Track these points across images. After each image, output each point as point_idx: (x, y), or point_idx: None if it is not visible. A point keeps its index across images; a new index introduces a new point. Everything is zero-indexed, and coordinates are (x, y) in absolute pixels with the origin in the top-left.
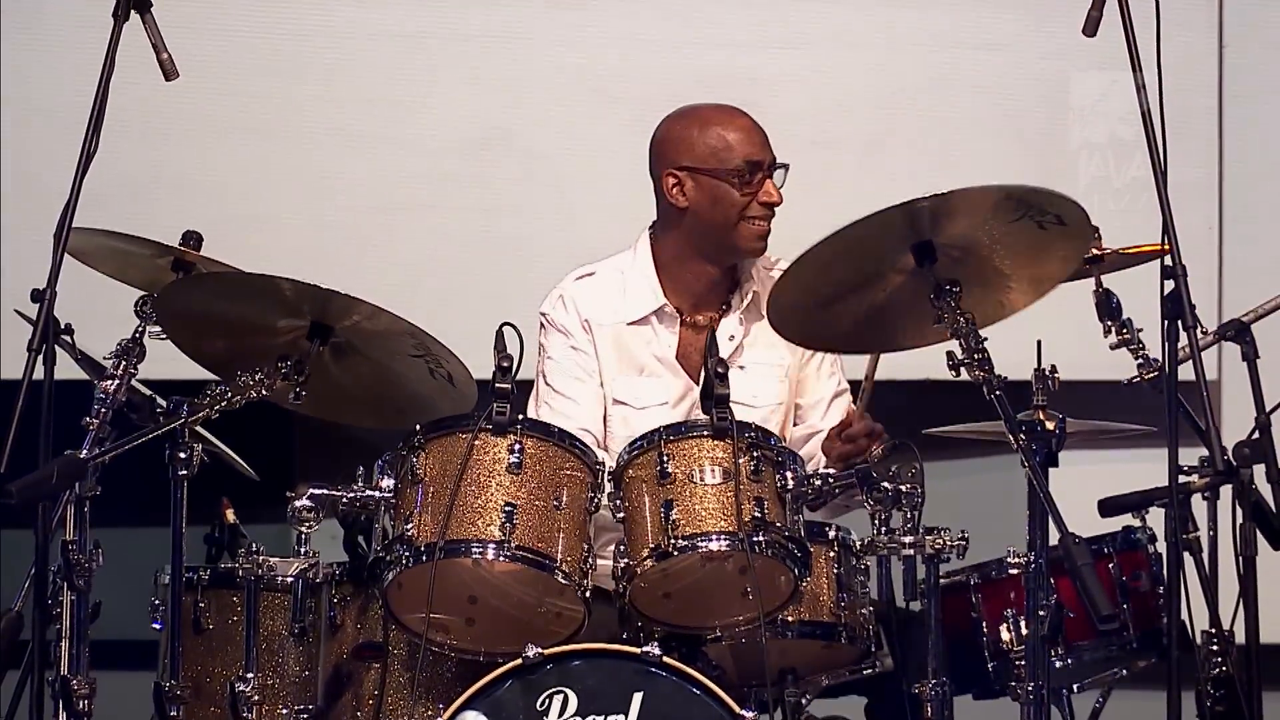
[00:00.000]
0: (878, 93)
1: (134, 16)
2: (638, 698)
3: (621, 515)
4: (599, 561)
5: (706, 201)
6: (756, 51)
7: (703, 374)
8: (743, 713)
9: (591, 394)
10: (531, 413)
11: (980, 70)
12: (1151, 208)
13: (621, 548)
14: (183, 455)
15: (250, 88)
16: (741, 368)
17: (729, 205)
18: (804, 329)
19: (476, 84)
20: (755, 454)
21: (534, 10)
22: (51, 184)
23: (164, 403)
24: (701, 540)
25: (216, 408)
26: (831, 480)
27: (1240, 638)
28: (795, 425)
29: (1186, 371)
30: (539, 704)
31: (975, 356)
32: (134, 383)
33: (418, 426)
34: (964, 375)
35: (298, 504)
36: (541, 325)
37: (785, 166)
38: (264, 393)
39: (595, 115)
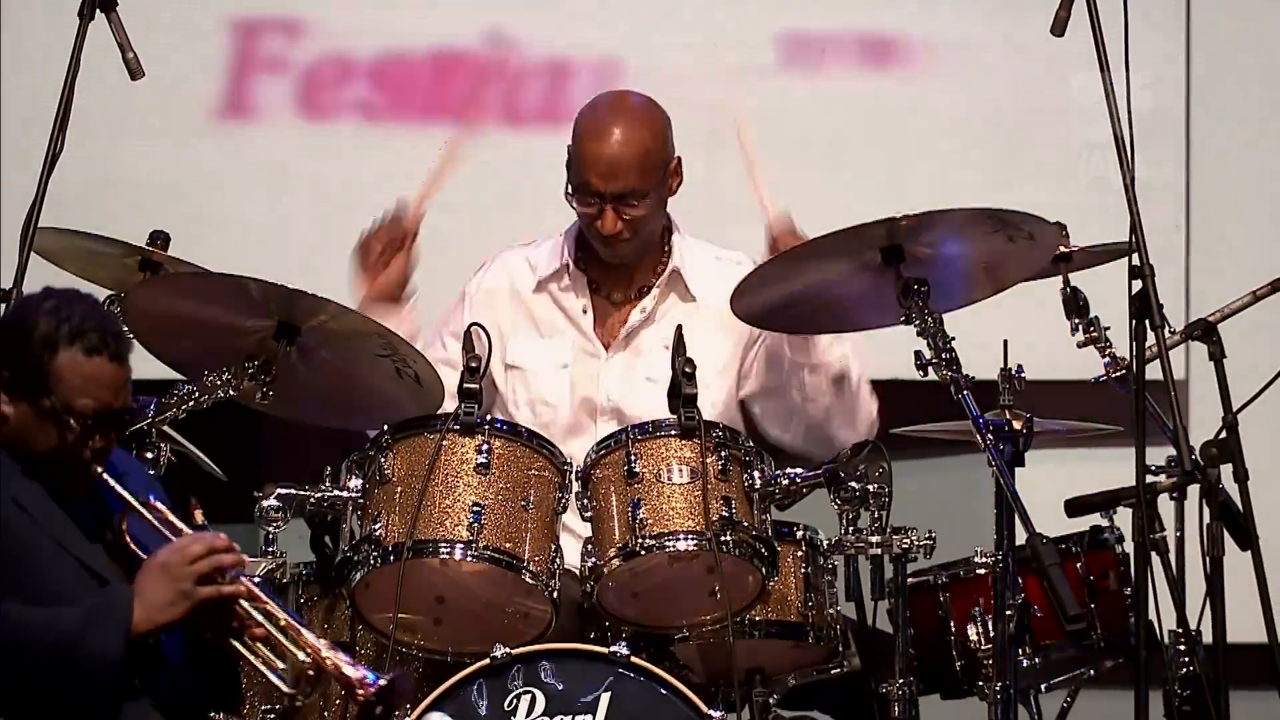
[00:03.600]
0: (867, 89)
1: (99, 16)
2: (605, 698)
3: (589, 515)
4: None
5: (573, 207)
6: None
7: (671, 372)
8: (710, 712)
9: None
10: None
11: (968, 68)
12: (1118, 208)
13: (589, 547)
14: (150, 455)
15: (215, 86)
16: (666, 347)
17: (579, 216)
18: (762, 314)
19: (442, 86)
20: (723, 453)
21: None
22: (17, 184)
23: (131, 403)
24: (669, 540)
25: (184, 408)
26: (799, 480)
27: (1207, 637)
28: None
29: (1154, 371)
30: (507, 704)
31: (942, 356)
32: None
33: (385, 427)
34: (931, 375)
35: (265, 504)
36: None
37: (640, 196)
38: (231, 393)
39: (554, 116)
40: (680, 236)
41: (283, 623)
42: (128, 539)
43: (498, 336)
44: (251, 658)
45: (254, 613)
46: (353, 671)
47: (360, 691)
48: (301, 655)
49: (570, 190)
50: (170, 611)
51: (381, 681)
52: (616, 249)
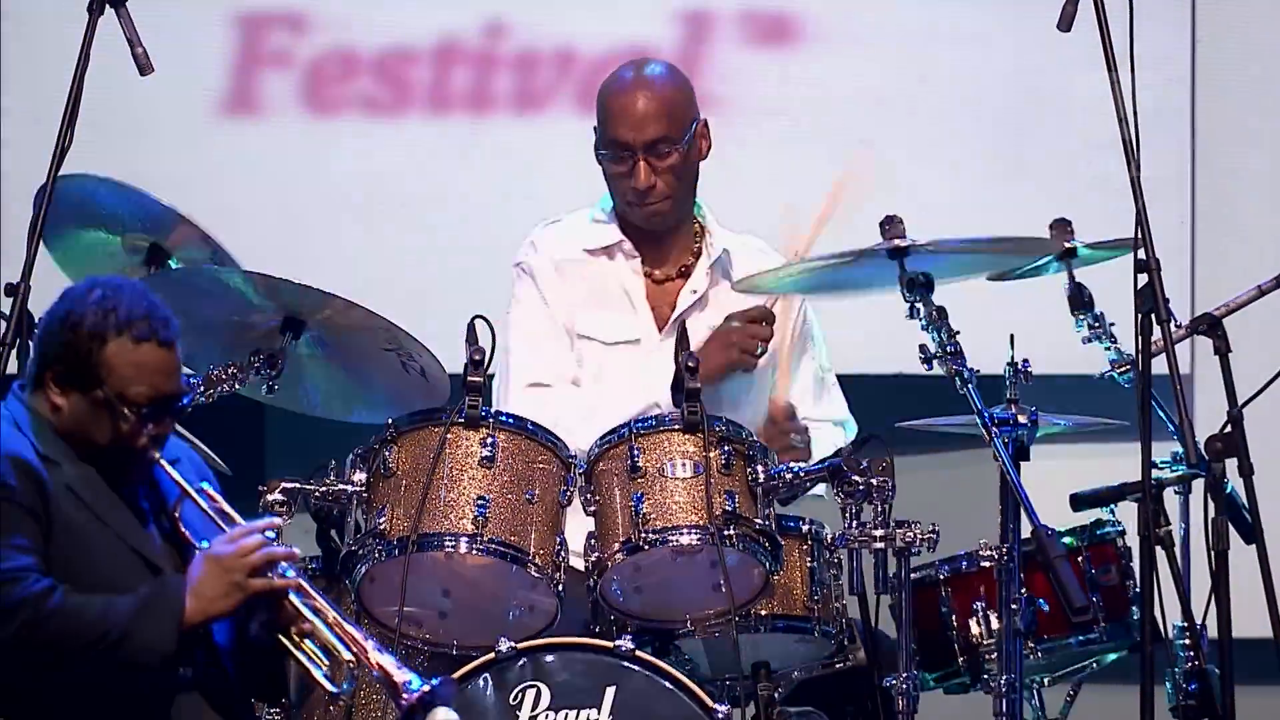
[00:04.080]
0: (873, 88)
1: (108, 11)
2: (610, 692)
3: (593, 509)
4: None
5: (606, 176)
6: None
7: (673, 355)
8: (715, 707)
9: (556, 346)
10: (496, 362)
11: (972, 64)
12: (1123, 203)
13: (593, 541)
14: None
15: (221, 81)
16: (713, 328)
17: (612, 181)
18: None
19: (451, 80)
20: (726, 447)
21: (498, 8)
22: (26, 178)
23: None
24: (672, 534)
25: (190, 401)
26: (803, 474)
27: (1212, 631)
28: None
29: (1159, 365)
30: (512, 698)
31: (948, 350)
32: None
33: (390, 420)
34: (937, 369)
35: (270, 498)
36: (515, 275)
37: (671, 143)
38: (237, 386)
39: (569, 111)
40: (712, 217)
41: (330, 619)
42: (181, 527)
43: (567, 307)
44: (297, 653)
45: (302, 608)
46: (398, 674)
47: (404, 696)
48: (347, 654)
49: (601, 153)
50: (223, 603)
51: (425, 688)
52: (653, 206)
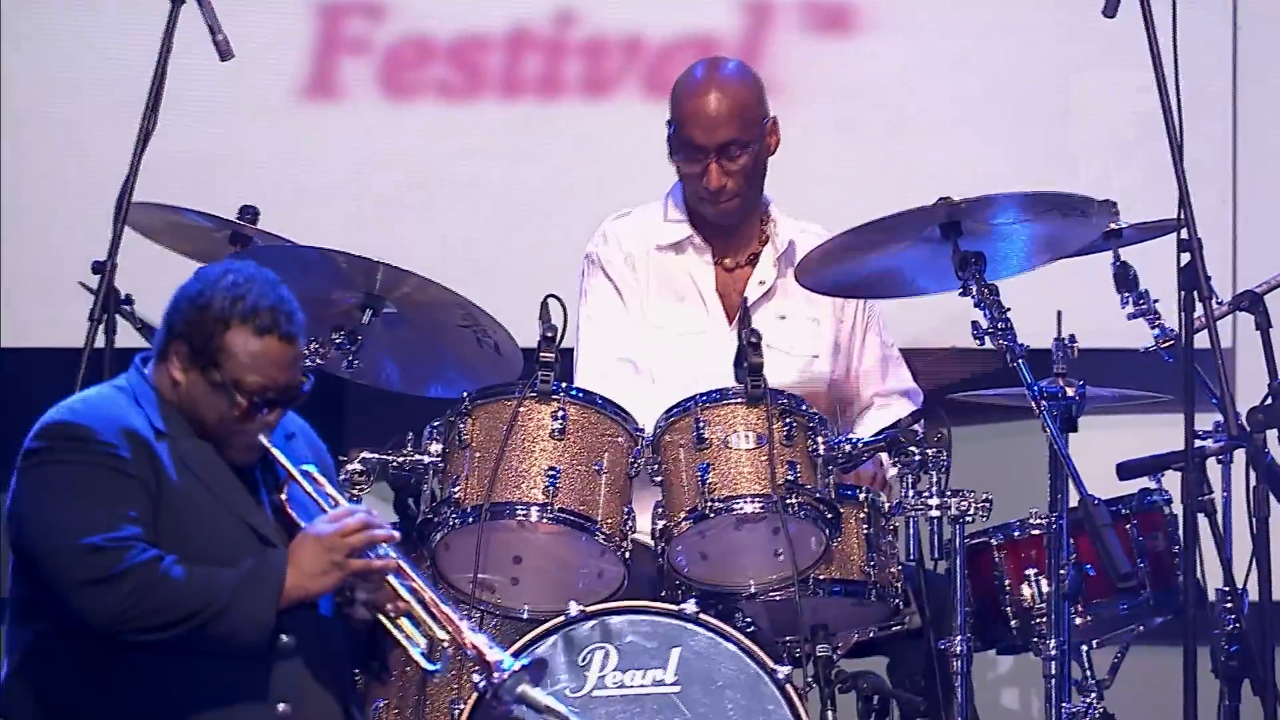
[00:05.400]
0: (927, 75)
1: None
2: (676, 653)
3: (660, 479)
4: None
5: (679, 172)
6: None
7: (736, 342)
8: (776, 667)
9: (626, 335)
10: (577, 352)
11: (999, 55)
12: (1166, 185)
13: (660, 510)
14: None
15: (301, 68)
16: (782, 318)
17: (684, 179)
18: (821, 279)
19: (522, 66)
20: (788, 420)
21: None
22: (112, 161)
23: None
24: (736, 503)
25: None
26: (861, 445)
27: (1253, 595)
28: (845, 389)
29: (1202, 340)
30: (581, 659)
31: (999, 326)
32: None
33: (465, 394)
34: (988, 344)
35: (350, 468)
36: (585, 266)
37: (742, 145)
38: (318, 361)
39: (636, 96)
40: (776, 206)
41: (427, 599)
42: (288, 506)
43: (638, 298)
44: (394, 630)
45: (400, 589)
46: (490, 653)
47: (495, 675)
48: (442, 633)
49: (674, 153)
50: (323, 581)
51: (516, 667)
52: (723, 205)
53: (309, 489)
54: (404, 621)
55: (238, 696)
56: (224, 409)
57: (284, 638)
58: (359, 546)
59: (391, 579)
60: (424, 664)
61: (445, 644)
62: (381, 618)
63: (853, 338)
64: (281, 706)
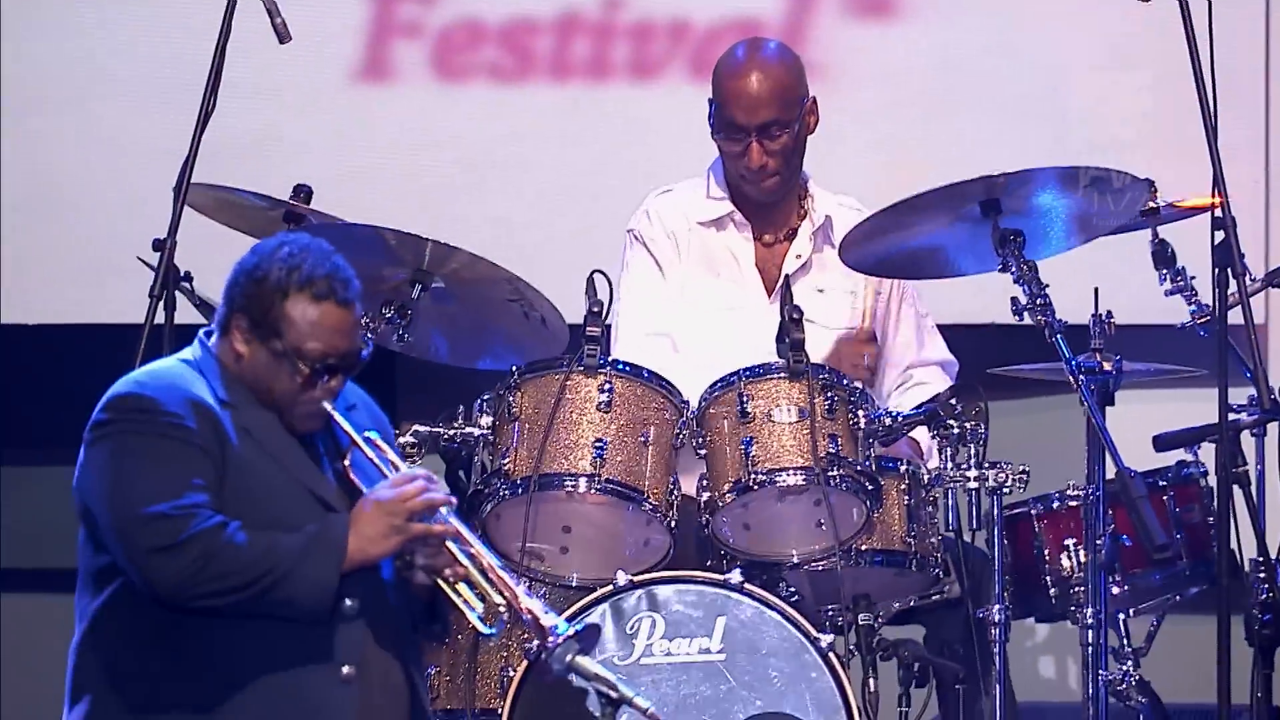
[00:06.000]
0: (965, 58)
1: None
2: (721, 622)
3: (704, 451)
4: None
5: (720, 150)
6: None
7: (779, 318)
8: (819, 635)
9: (666, 309)
10: (615, 324)
11: (1038, 40)
12: (1202, 171)
13: (704, 482)
14: None
15: (355, 51)
16: (820, 291)
17: (726, 157)
18: (872, 264)
19: (572, 49)
20: (829, 394)
21: None
22: (172, 142)
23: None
24: (779, 475)
25: None
26: (901, 419)
27: None
28: (882, 360)
29: (1236, 316)
30: (628, 628)
31: (1037, 302)
32: None
33: (514, 368)
34: (1027, 319)
35: (402, 440)
36: (627, 240)
37: (782, 126)
38: (369, 336)
39: (682, 79)
40: (815, 183)
41: (485, 564)
42: (351, 473)
43: (679, 273)
44: (453, 595)
45: (458, 553)
46: (545, 618)
47: (549, 639)
48: (498, 598)
49: (715, 132)
50: (383, 544)
51: (570, 632)
52: (764, 184)
53: (371, 454)
54: (462, 586)
55: (302, 660)
56: (287, 377)
57: (347, 601)
58: (419, 510)
59: (450, 544)
60: (481, 628)
61: (501, 609)
62: (440, 582)
63: (889, 309)
64: (345, 669)
